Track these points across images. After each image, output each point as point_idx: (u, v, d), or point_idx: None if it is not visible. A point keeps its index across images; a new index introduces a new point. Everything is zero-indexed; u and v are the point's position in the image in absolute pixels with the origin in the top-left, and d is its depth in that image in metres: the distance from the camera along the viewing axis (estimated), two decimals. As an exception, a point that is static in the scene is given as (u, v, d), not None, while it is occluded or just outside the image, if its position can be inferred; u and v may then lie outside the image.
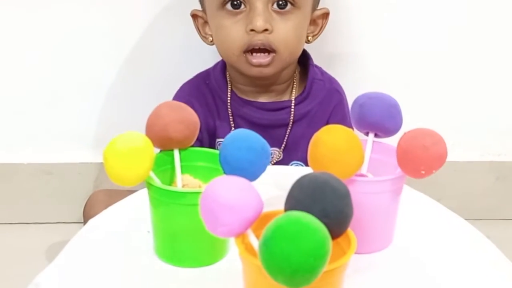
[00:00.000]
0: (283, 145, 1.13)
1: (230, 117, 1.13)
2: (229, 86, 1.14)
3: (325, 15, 1.14)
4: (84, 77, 1.37)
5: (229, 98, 1.13)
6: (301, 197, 0.53)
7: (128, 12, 1.33)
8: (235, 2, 1.05)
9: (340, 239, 0.56)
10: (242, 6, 1.05)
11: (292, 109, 1.13)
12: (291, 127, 1.13)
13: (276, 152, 1.13)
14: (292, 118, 1.12)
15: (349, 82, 1.33)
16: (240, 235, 0.54)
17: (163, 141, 0.71)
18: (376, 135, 0.73)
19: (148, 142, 0.66)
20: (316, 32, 1.14)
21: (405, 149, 0.67)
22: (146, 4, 1.32)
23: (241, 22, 1.05)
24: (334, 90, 1.17)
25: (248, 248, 0.55)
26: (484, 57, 1.40)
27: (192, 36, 1.18)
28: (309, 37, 1.13)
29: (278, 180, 0.74)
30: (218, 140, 1.14)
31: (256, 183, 0.65)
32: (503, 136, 1.47)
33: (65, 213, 1.44)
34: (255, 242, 0.53)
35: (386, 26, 1.37)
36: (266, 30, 1.03)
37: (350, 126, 0.74)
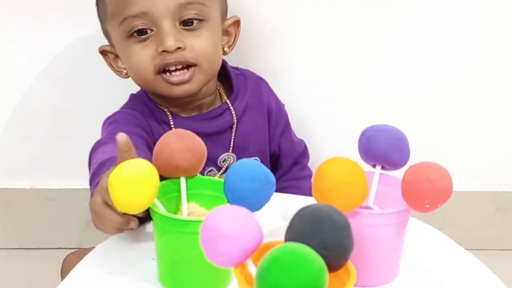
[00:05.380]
0: (231, 147, 1.10)
1: None
2: (164, 108, 1.08)
3: (236, 23, 1.11)
4: (87, 105, 1.38)
5: (171, 121, 1.07)
6: (301, 228, 0.53)
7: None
8: (141, 29, 1.00)
9: (340, 272, 0.55)
10: (149, 31, 1.00)
11: (232, 109, 1.10)
12: (236, 127, 1.10)
13: (231, 157, 1.10)
14: (235, 117, 1.09)
15: (351, 114, 1.34)
16: (240, 265, 0.54)
17: (170, 169, 0.71)
18: (383, 168, 0.73)
19: (153, 169, 0.66)
20: (231, 42, 1.11)
21: (410, 182, 0.67)
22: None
23: (150, 46, 1.00)
24: (257, 78, 1.16)
25: (248, 279, 0.55)
26: (485, 88, 1.40)
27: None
28: (225, 48, 1.10)
29: (283, 210, 0.74)
30: None
31: (262, 212, 0.65)
32: (505, 167, 1.46)
33: (66, 239, 1.45)
34: (254, 273, 0.53)
35: (387, 57, 1.37)
36: (179, 48, 0.99)
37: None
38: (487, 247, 1.44)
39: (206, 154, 0.73)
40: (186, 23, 1.01)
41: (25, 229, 1.46)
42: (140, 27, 1.00)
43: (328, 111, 1.35)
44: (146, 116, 1.07)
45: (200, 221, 0.55)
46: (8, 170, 1.44)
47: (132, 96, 1.13)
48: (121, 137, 0.72)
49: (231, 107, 1.10)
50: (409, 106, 1.41)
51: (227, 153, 1.09)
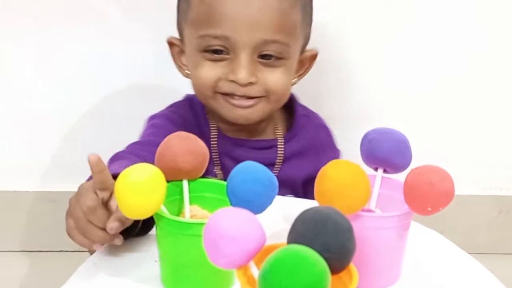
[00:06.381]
0: None
1: (215, 154, 1.05)
2: (212, 123, 1.06)
3: (313, 57, 1.08)
4: (90, 110, 1.39)
5: (214, 135, 1.05)
6: (303, 230, 0.54)
7: (137, 48, 1.35)
8: (218, 50, 0.96)
9: (342, 274, 0.56)
10: (225, 53, 0.96)
11: (282, 148, 1.06)
12: (281, 166, 1.06)
13: None
14: (281, 157, 1.06)
15: (351, 117, 1.34)
16: (242, 267, 0.55)
17: (172, 171, 0.71)
18: (385, 171, 0.73)
19: (159, 173, 0.66)
20: (301, 72, 1.07)
21: (411, 186, 0.67)
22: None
23: (221, 68, 0.97)
24: (322, 126, 1.13)
25: (250, 281, 0.55)
26: (486, 93, 1.41)
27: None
28: (294, 79, 1.06)
29: (286, 212, 0.74)
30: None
31: (264, 214, 0.66)
32: (506, 170, 1.47)
33: (69, 242, 1.44)
34: (256, 275, 0.53)
35: (387, 59, 1.37)
36: (250, 83, 0.96)
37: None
38: (489, 251, 1.45)
39: (208, 156, 0.74)
40: (264, 57, 0.97)
41: (28, 231, 1.47)
42: (217, 48, 0.96)
43: (329, 114, 1.35)
44: (189, 127, 1.01)
45: (202, 224, 0.56)
46: (11, 173, 1.44)
47: (186, 98, 1.10)
48: (92, 158, 0.70)
49: (279, 145, 1.06)
50: (410, 109, 1.42)
51: None
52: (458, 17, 1.35)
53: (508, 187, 1.50)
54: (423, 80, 1.40)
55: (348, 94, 1.39)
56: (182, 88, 1.34)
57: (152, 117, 1.07)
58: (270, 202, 0.67)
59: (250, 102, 0.98)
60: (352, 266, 0.56)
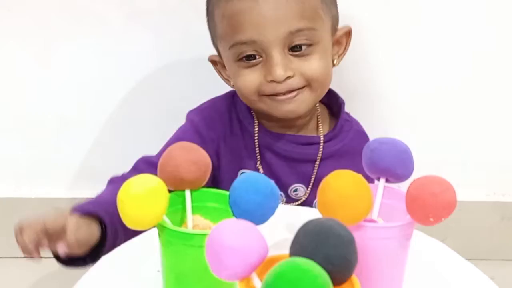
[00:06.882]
0: (311, 182, 1.09)
1: (257, 149, 1.09)
2: (255, 118, 1.10)
3: (348, 33, 1.09)
4: (91, 113, 1.39)
5: (256, 131, 1.08)
6: (305, 242, 0.54)
7: (139, 52, 1.36)
8: (250, 55, 1.00)
9: (344, 286, 0.56)
10: (258, 57, 1.00)
11: (321, 146, 1.09)
12: (319, 165, 1.09)
13: (301, 189, 1.09)
14: (320, 155, 1.08)
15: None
16: (245, 279, 0.55)
17: (175, 181, 0.71)
18: (387, 181, 0.73)
19: (161, 183, 0.66)
20: (341, 52, 1.10)
21: (414, 196, 0.67)
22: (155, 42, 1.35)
23: (258, 72, 1.00)
24: (362, 133, 1.15)
25: (253, 293, 0.55)
26: (490, 98, 1.41)
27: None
28: (334, 60, 1.08)
29: (289, 223, 0.74)
30: (241, 170, 1.09)
31: (266, 225, 0.66)
32: (508, 176, 1.47)
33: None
34: (259, 287, 0.54)
35: (390, 66, 1.37)
36: (288, 77, 0.99)
37: None
38: (491, 257, 1.45)
39: (211, 166, 0.74)
40: (295, 49, 0.99)
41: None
42: (249, 53, 1.00)
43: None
44: (226, 125, 1.09)
45: (205, 235, 0.56)
46: (12, 179, 1.44)
47: (229, 93, 1.13)
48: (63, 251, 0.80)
49: (321, 144, 1.08)
50: (412, 115, 1.41)
51: (300, 185, 1.09)
52: (465, 20, 1.35)
53: (511, 193, 1.50)
54: (425, 86, 1.40)
55: (349, 99, 1.39)
56: (184, 90, 1.35)
57: (190, 113, 1.11)
58: (273, 213, 0.67)
59: (293, 93, 1.00)
60: (354, 277, 0.56)
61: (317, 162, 1.08)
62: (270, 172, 1.08)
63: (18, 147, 1.42)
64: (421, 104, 1.41)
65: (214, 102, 1.13)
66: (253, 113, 1.10)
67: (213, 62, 1.12)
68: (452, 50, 1.37)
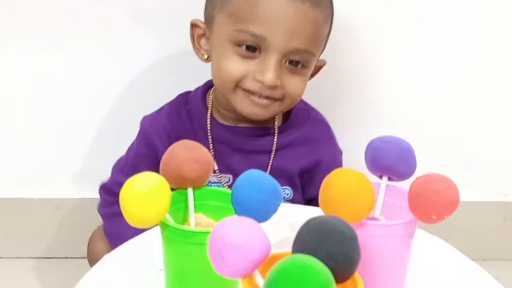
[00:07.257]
0: (267, 172, 1.08)
1: (210, 144, 1.09)
2: (208, 111, 1.10)
3: (321, 67, 1.13)
4: (93, 116, 1.39)
5: (208, 125, 1.09)
6: (307, 239, 0.54)
7: (141, 54, 1.36)
8: (251, 46, 1.00)
9: (347, 283, 0.56)
10: (257, 52, 1.00)
11: (275, 137, 1.10)
12: (274, 155, 1.10)
13: None
14: (275, 145, 1.10)
15: (360, 121, 1.33)
16: (247, 276, 0.55)
17: (177, 180, 0.71)
18: (389, 179, 0.73)
19: (164, 181, 0.66)
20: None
21: (416, 194, 0.67)
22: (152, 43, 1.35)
23: (249, 65, 1.00)
24: (319, 120, 1.16)
25: (255, 290, 0.55)
26: (493, 98, 1.41)
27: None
28: None
29: (291, 221, 0.74)
30: None
31: (269, 223, 0.66)
32: (511, 177, 1.46)
33: (73, 248, 1.45)
34: (261, 284, 0.54)
35: (391, 65, 1.37)
36: (275, 86, 1.00)
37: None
38: (494, 257, 1.45)
39: (213, 165, 0.74)
40: (291, 63, 1.01)
41: (32, 238, 1.47)
42: (251, 44, 0.99)
43: (332, 120, 1.35)
44: (176, 122, 1.10)
45: (207, 232, 0.56)
46: (16, 180, 1.44)
47: (181, 96, 1.14)
48: None
49: (275, 135, 1.10)
50: (415, 115, 1.41)
51: None
52: (465, 20, 1.35)
53: (513, 193, 1.50)
54: (427, 86, 1.40)
55: (350, 99, 1.39)
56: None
57: (145, 120, 1.15)
58: (275, 211, 0.67)
59: (268, 102, 1.02)
60: (357, 275, 0.56)
61: (273, 153, 1.10)
62: (225, 165, 1.09)
63: (20, 147, 1.42)
64: (421, 105, 1.41)
65: (163, 106, 1.15)
66: (207, 107, 1.10)
67: (195, 25, 1.09)
68: (452, 50, 1.37)
